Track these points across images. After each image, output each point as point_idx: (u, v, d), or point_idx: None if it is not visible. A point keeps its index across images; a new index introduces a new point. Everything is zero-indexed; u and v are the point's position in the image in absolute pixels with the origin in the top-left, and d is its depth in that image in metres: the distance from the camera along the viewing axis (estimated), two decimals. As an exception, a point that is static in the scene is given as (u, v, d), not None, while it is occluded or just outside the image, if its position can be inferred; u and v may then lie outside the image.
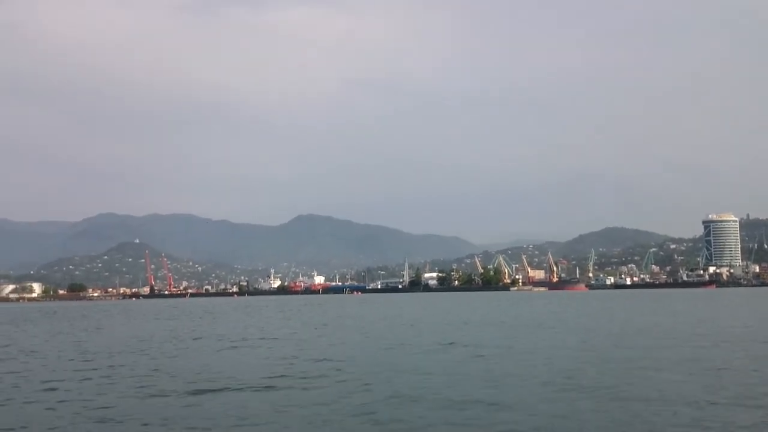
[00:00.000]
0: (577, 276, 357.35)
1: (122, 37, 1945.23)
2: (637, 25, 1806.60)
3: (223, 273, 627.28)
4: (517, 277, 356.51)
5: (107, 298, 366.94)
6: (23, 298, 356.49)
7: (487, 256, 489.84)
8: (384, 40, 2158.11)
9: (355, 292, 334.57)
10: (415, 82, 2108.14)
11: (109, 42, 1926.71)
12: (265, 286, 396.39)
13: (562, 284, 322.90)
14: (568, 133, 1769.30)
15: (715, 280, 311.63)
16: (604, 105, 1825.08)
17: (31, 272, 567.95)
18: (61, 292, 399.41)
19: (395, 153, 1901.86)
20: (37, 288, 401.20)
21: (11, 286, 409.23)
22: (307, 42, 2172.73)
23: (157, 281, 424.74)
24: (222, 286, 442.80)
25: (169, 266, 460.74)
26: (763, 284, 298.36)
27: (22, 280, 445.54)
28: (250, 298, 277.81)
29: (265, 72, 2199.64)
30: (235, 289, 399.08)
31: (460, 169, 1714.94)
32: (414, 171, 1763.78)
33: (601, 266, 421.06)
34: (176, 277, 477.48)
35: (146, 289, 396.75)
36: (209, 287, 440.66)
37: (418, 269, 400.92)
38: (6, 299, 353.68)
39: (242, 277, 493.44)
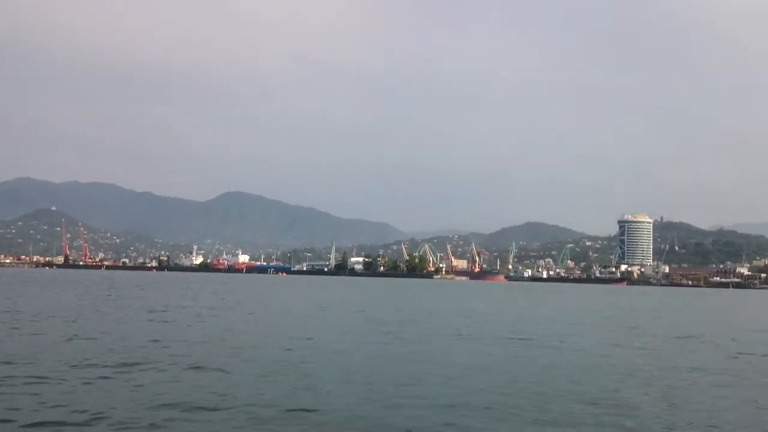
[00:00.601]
0: (498, 267, 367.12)
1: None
2: (564, 25, 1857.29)
3: (143, 246, 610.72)
4: (441, 265, 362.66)
5: (19, 265, 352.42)
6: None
7: (413, 244, 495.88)
8: (327, 21, 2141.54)
9: (280, 273, 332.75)
10: (355, 64, 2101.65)
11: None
12: (186, 263, 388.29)
13: (483, 275, 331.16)
14: (497, 128, 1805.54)
15: (626, 278, 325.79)
16: (533, 102, 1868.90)
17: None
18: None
19: (331, 137, 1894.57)
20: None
21: None
22: (247, 14, 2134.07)
23: (73, 251, 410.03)
24: (140, 260, 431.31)
25: (85, 236, 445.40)
26: (671, 284, 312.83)
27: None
28: (169, 273, 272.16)
29: (200, 41, 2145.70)
30: (154, 263, 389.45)
31: (391, 158, 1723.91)
32: (348, 156, 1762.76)
33: (520, 259, 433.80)
34: (93, 248, 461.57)
35: (60, 259, 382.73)
36: (126, 260, 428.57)
37: (344, 253, 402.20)
38: None
39: (162, 252, 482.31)
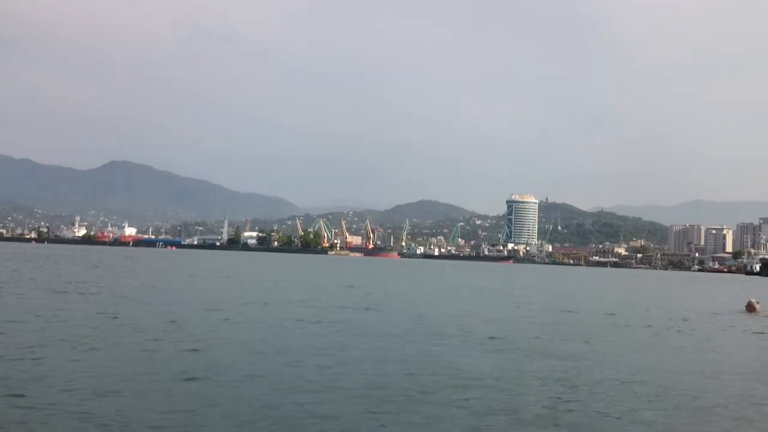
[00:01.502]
0: (392, 244, 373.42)
1: None
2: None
3: (21, 217, 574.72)
4: (335, 241, 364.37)
5: None
6: None
7: (308, 219, 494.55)
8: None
9: (169, 247, 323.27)
10: (248, 37, 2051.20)
11: None
12: (68, 235, 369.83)
13: (377, 251, 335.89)
14: (390, 104, 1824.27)
15: (513, 256, 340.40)
16: (430, 83, 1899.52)
17: None
18: None
19: (226, 106, 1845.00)
20: None
21: None
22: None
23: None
24: (19, 231, 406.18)
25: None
26: (554, 263, 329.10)
27: None
28: (51, 246, 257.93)
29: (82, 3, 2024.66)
30: (33, 235, 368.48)
31: (288, 131, 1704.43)
32: (242, 127, 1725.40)
33: (414, 236, 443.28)
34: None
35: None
36: (3, 231, 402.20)
37: (238, 228, 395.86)
38: None
39: (42, 223, 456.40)
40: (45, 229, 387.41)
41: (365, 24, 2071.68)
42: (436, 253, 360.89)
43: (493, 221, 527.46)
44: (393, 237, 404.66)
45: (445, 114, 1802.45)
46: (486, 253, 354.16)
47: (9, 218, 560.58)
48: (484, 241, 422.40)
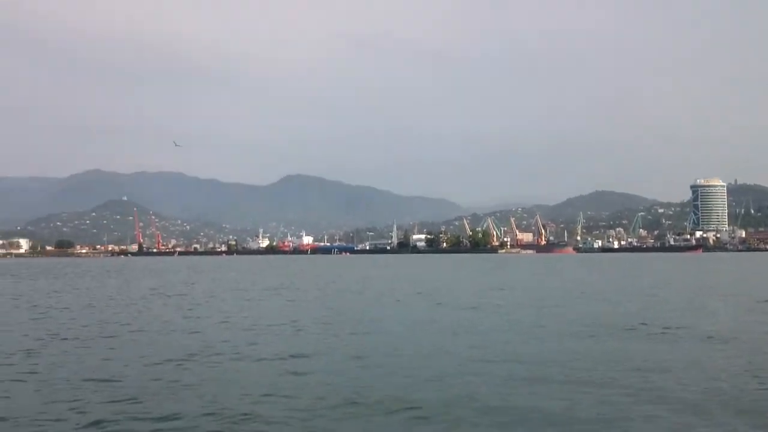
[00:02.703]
0: (565, 239, 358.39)
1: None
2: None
3: (212, 232, 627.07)
4: (505, 239, 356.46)
5: (95, 255, 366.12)
6: (10, 254, 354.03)
7: (475, 219, 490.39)
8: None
9: (344, 253, 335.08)
10: (408, 41, 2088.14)
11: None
12: (253, 246, 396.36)
13: (549, 247, 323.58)
14: (558, 97, 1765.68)
15: (702, 245, 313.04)
16: (594, 69, 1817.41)
17: (18, 228, 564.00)
18: (48, 248, 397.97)
19: (386, 115, 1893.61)
20: (24, 244, 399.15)
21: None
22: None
23: (145, 239, 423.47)
24: (210, 245, 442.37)
25: (157, 224, 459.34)
26: (749, 249, 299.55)
27: (8, 236, 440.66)
28: (241, 257, 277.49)
29: (253, 26, 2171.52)
30: (223, 248, 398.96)
31: (450, 132, 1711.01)
32: (405, 133, 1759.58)
33: (589, 230, 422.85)
34: (164, 235, 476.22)
35: (134, 247, 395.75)
36: (197, 246, 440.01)
37: (406, 231, 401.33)
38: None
39: (231, 236, 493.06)
40: (234, 242, 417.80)
41: (514, 17, 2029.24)
42: (616, 246, 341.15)
43: (677, 209, 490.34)
44: (566, 232, 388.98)
45: (613, 98, 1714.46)
46: (671, 243, 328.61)
47: (201, 234, 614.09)
48: (668, 230, 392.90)
